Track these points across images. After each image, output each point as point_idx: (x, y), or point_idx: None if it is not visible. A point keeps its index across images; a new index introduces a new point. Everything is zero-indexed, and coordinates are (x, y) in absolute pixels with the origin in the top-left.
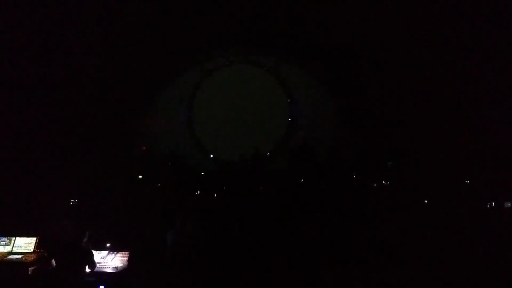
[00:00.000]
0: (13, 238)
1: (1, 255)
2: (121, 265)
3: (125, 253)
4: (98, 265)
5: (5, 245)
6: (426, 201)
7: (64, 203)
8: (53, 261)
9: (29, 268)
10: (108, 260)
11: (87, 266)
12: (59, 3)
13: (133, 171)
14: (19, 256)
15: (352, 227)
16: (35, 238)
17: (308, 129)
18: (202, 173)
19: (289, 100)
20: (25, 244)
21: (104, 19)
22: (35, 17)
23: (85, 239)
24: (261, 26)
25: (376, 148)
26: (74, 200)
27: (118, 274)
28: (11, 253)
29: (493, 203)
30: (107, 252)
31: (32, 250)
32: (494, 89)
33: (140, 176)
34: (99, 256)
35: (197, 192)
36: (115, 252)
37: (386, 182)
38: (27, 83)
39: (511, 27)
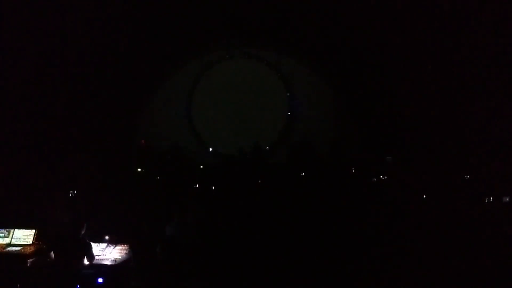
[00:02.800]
0: (12, 230)
1: (0, 247)
2: (120, 257)
3: (123, 246)
4: (96, 257)
5: (4, 237)
6: (424, 196)
7: (63, 196)
8: (52, 253)
9: (28, 260)
10: (107, 253)
11: (85, 258)
12: None
13: (132, 164)
14: (18, 248)
15: (351, 222)
16: (34, 230)
17: (308, 123)
18: (201, 167)
19: (288, 94)
20: (23, 236)
21: (103, 13)
22: (34, 15)
23: (84, 232)
24: (261, 19)
25: (375, 142)
26: (73, 193)
27: (116, 266)
28: (9, 245)
29: (491, 198)
30: (105, 244)
31: (30, 242)
32: (492, 84)
33: (139, 169)
34: (97, 248)
35: (196, 186)
36: (114, 245)
37: (385, 176)
38: (27, 77)
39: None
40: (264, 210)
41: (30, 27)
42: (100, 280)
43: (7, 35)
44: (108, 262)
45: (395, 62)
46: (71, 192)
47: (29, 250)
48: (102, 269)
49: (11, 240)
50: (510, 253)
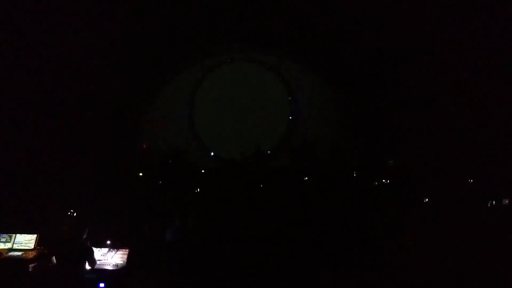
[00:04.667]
0: (14, 235)
1: (2, 251)
2: (121, 262)
3: (125, 251)
4: (98, 262)
5: (6, 242)
6: (426, 199)
7: (64, 201)
8: (53, 258)
9: (30, 265)
10: (108, 258)
11: (87, 263)
12: None
13: (134, 168)
14: (20, 253)
15: (353, 225)
16: (35, 235)
17: (309, 127)
18: (203, 171)
19: (290, 98)
20: (25, 241)
21: (106, 16)
22: (35, 16)
23: (85, 236)
24: (263, 24)
25: (377, 146)
26: (75, 197)
27: (118, 271)
28: (11, 250)
29: (493, 201)
30: (107, 249)
31: (32, 247)
32: (494, 89)
33: (141, 173)
34: (99, 253)
35: (198, 190)
36: (115, 250)
37: (387, 180)
38: (30, 81)
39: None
40: (265, 213)
41: (32, 30)
42: (102, 285)
43: (8, 37)
44: (109, 267)
45: (397, 66)
46: (72, 197)
47: (30, 255)
48: (103, 273)
49: (13, 245)
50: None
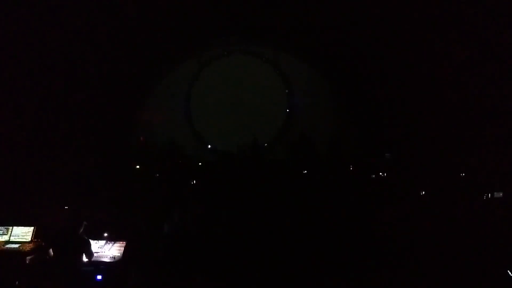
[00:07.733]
0: (10, 228)
1: None
2: (119, 255)
3: (122, 243)
4: (95, 254)
5: (2, 234)
6: (423, 193)
7: (61, 193)
8: (50, 250)
9: (26, 258)
10: (106, 250)
11: (84, 255)
12: None
13: (131, 161)
14: (16, 246)
15: (350, 218)
16: (32, 228)
17: (306, 120)
18: (200, 164)
19: (287, 91)
20: (22, 233)
21: (101, 10)
22: (32, 15)
23: (82, 229)
24: (260, 16)
25: (374, 139)
26: (72, 190)
27: (115, 264)
28: (8, 242)
29: (489, 195)
30: (104, 242)
31: (29, 239)
32: (490, 83)
33: (138, 166)
34: (96, 246)
35: (194, 182)
36: (113, 242)
37: (384, 173)
38: (25, 76)
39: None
40: (262, 207)
41: (27, 26)
42: (99, 277)
43: (5, 35)
44: (106, 259)
45: (393, 58)
46: (69, 189)
47: (27, 248)
48: (100, 266)
49: (9, 237)
50: (506, 249)
